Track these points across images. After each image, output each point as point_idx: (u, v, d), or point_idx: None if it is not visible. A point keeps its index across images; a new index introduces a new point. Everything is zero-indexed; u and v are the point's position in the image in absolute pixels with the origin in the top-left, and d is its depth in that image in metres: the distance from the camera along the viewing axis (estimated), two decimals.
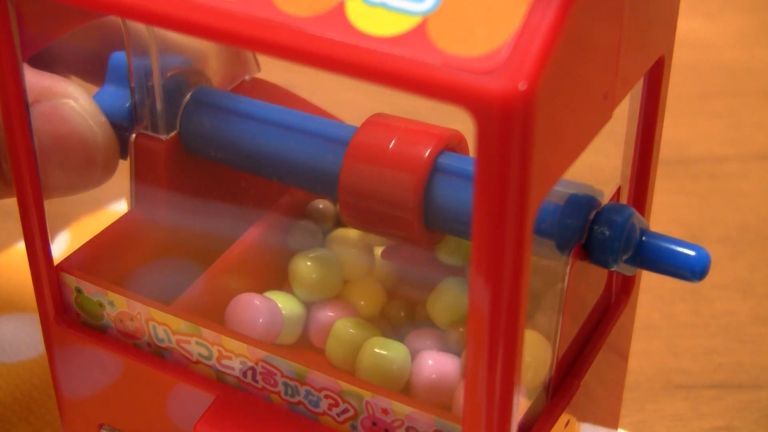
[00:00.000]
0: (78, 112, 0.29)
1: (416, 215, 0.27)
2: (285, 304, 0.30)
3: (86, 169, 0.30)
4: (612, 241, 0.26)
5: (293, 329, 0.31)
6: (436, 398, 0.28)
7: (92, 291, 0.29)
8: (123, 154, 0.31)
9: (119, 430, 0.30)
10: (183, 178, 0.31)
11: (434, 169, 0.27)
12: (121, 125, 0.30)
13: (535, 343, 0.26)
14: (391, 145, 0.27)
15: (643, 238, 0.26)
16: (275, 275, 0.32)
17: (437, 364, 0.28)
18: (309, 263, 0.31)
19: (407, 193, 0.27)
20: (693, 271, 0.26)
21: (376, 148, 0.27)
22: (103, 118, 0.30)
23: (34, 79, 0.29)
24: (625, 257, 0.26)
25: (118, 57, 0.31)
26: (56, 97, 0.29)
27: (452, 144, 0.28)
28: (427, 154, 0.27)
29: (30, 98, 0.28)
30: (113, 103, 0.31)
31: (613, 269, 0.26)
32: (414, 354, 0.29)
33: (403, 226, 0.27)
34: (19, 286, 0.44)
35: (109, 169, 0.30)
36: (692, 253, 0.26)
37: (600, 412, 0.31)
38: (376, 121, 0.28)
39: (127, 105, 0.30)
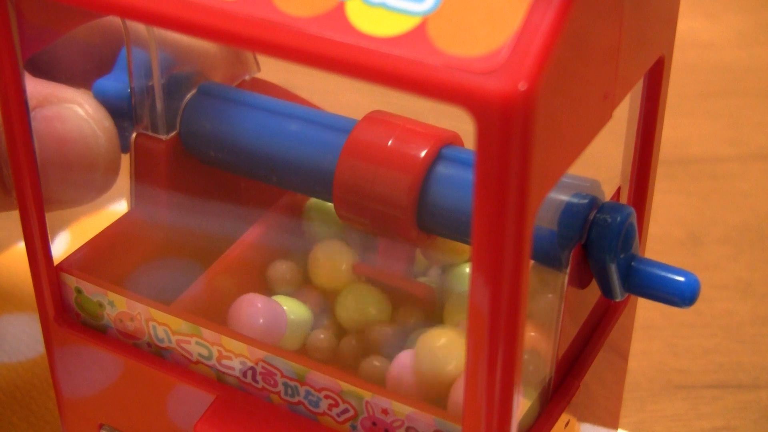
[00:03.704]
0: (80, 116, 0.29)
1: (409, 215, 0.27)
2: (292, 308, 0.30)
3: (87, 174, 0.30)
4: (610, 240, 0.26)
5: (298, 334, 0.30)
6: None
7: (92, 291, 0.29)
8: (124, 148, 0.31)
9: (119, 430, 0.30)
10: (183, 178, 0.31)
11: (430, 170, 0.27)
12: (123, 112, 0.30)
13: None
14: (388, 144, 0.27)
15: (633, 264, 0.27)
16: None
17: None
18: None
19: (402, 192, 0.27)
20: (683, 297, 0.26)
21: (373, 146, 0.27)
22: (107, 123, 0.30)
23: (37, 86, 0.29)
24: (622, 256, 0.26)
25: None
26: (59, 102, 0.29)
27: (449, 145, 0.28)
28: (423, 154, 0.27)
29: (33, 103, 0.28)
30: (118, 87, 0.30)
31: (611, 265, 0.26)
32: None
33: (396, 226, 0.27)
34: (19, 286, 0.44)
35: (111, 173, 0.30)
36: (681, 279, 0.26)
37: (600, 412, 0.31)
38: (374, 117, 0.28)
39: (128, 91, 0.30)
